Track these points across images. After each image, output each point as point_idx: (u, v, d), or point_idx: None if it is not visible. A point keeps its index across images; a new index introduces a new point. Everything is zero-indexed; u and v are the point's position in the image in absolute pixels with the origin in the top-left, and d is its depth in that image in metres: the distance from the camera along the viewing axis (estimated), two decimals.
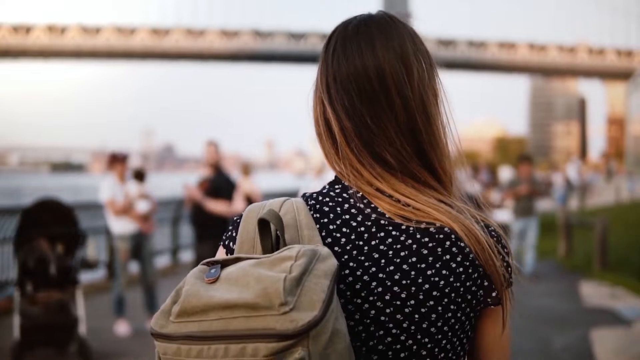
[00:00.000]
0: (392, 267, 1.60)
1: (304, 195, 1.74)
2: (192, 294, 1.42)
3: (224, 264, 1.49)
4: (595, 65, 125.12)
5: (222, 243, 1.74)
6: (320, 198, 1.71)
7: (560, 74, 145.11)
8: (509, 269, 1.69)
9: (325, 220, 1.65)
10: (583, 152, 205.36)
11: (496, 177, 28.36)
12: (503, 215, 23.15)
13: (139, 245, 10.63)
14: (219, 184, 10.44)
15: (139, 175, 11.01)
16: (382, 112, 1.67)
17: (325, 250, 1.50)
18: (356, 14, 1.80)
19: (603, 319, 11.12)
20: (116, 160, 10.61)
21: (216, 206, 10.23)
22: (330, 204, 1.68)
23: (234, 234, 1.70)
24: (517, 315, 10.49)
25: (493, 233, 1.70)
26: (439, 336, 1.61)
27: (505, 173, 29.98)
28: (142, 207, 10.59)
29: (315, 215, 1.66)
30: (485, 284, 1.65)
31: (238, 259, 1.49)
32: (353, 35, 1.73)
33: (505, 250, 1.70)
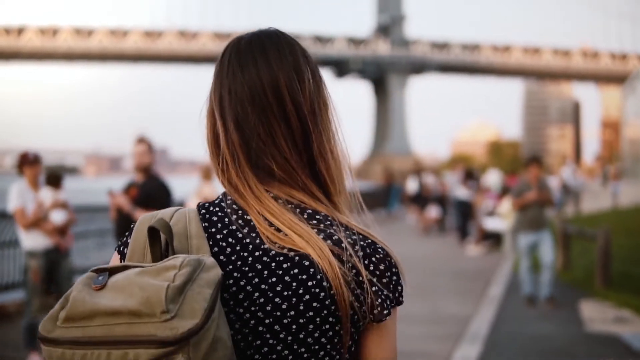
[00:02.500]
0: (274, 279, 1.64)
1: (199, 205, 1.78)
2: (78, 299, 1.46)
3: (112, 271, 1.53)
4: (590, 69, 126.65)
5: (116, 248, 1.77)
6: (211, 208, 1.75)
7: (555, 77, 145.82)
8: (383, 288, 1.69)
9: (214, 229, 1.70)
10: (577, 155, 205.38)
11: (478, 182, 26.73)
12: (495, 223, 21.83)
13: (54, 264, 8.84)
14: (151, 191, 8.60)
15: (54, 180, 9.10)
16: (274, 121, 1.72)
17: (210, 260, 1.56)
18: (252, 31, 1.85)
19: (609, 349, 9.60)
20: (26, 162, 8.78)
21: None
22: (220, 214, 1.73)
23: (128, 240, 1.72)
24: (509, 345, 8.79)
25: (367, 251, 1.70)
26: (316, 347, 1.64)
27: (493, 177, 28.44)
28: (57, 218, 8.80)
29: (204, 225, 1.71)
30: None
31: (126, 267, 1.54)
32: (247, 48, 1.78)
33: (381, 268, 1.70)
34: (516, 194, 13.13)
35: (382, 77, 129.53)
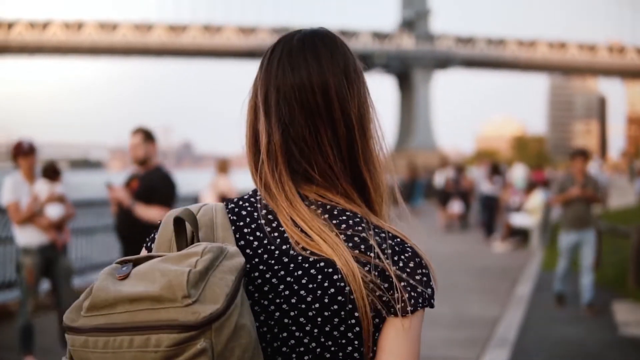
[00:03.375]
0: (300, 272, 1.65)
1: (227, 199, 1.80)
2: (101, 288, 1.47)
3: (136, 262, 1.54)
4: (616, 64, 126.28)
5: (144, 245, 1.78)
6: (240, 203, 1.78)
7: (580, 72, 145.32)
8: (415, 284, 1.67)
9: (241, 223, 1.72)
10: (603, 151, 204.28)
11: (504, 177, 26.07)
12: (522, 219, 21.19)
13: (50, 261, 8.25)
14: (152, 183, 7.87)
15: (51, 172, 8.46)
16: (321, 126, 1.72)
17: (233, 248, 1.57)
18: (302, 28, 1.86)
19: None
20: (20, 152, 8.16)
21: (148, 212, 7.66)
22: (249, 208, 1.75)
23: (155, 236, 1.74)
24: (539, 350, 8.10)
25: (395, 249, 1.70)
26: (343, 340, 1.64)
27: (518, 172, 27.74)
28: (53, 212, 8.21)
29: (232, 218, 1.73)
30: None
31: (150, 257, 1.55)
32: (299, 48, 1.77)
33: (411, 265, 1.69)
34: (559, 188, 12.10)
35: (406, 71, 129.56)
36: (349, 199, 1.75)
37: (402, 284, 1.65)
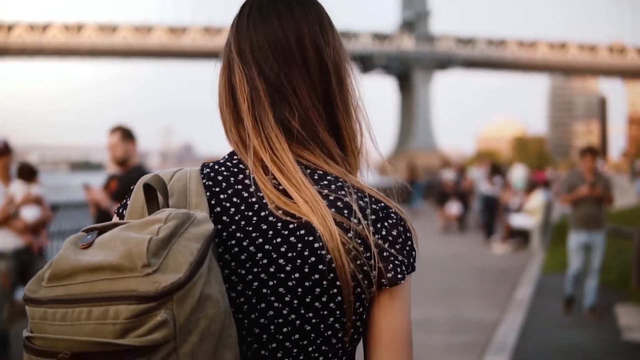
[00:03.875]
0: (279, 239, 1.60)
1: (203, 164, 1.73)
2: (62, 258, 1.42)
3: (102, 230, 1.49)
4: (616, 64, 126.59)
5: (116, 212, 1.73)
6: (216, 167, 1.70)
7: (581, 72, 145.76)
8: (397, 253, 1.63)
9: (217, 189, 1.66)
10: (604, 151, 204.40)
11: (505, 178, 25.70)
12: (522, 220, 20.83)
13: (26, 265, 7.88)
14: (130, 183, 7.41)
15: (27, 173, 8.08)
16: (295, 70, 1.69)
17: (201, 214, 1.51)
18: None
19: None
20: None
21: None
22: (225, 173, 1.68)
23: (127, 202, 1.68)
24: (540, 356, 7.70)
25: (379, 215, 1.65)
26: (324, 312, 1.59)
27: (518, 172, 27.37)
28: (29, 215, 7.86)
29: (207, 183, 1.66)
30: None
31: (116, 225, 1.49)
32: (270, 2, 1.75)
33: (394, 233, 1.65)
34: (567, 187, 11.47)
35: (407, 72, 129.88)
36: (328, 156, 1.69)
37: (385, 254, 1.60)
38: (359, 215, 1.60)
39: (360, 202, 1.63)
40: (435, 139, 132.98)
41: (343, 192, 1.63)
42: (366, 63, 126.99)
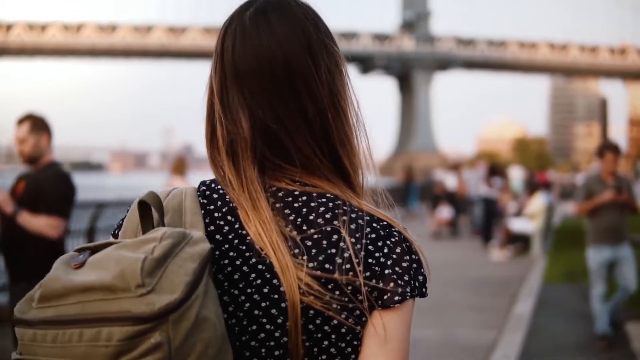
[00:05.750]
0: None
1: (201, 182, 1.68)
2: (52, 278, 1.38)
3: (95, 250, 1.44)
4: (617, 65, 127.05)
5: (112, 233, 1.67)
6: (212, 185, 1.66)
7: (582, 73, 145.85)
8: (402, 272, 1.55)
9: (212, 207, 1.61)
10: None
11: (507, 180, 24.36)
12: (522, 224, 19.54)
13: None
14: (40, 184, 6.07)
15: None
16: (287, 110, 1.58)
17: (198, 234, 1.46)
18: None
19: None
20: None
21: (31, 222, 5.91)
22: (221, 191, 1.63)
23: (122, 222, 1.63)
24: None
25: (380, 234, 1.57)
26: (318, 335, 1.52)
27: (516, 174, 26.07)
28: None
29: (202, 201, 1.62)
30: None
31: (109, 244, 1.44)
32: (253, 26, 1.62)
33: (397, 251, 1.56)
34: (585, 193, 9.37)
35: (407, 73, 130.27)
36: (330, 182, 1.61)
37: (387, 271, 1.52)
38: (349, 247, 1.51)
39: (359, 221, 1.55)
40: (435, 140, 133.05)
41: (335, 219, 1.54)
42: (366, 64, 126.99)
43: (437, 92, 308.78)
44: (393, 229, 1.59)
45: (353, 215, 1.55)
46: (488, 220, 21.48)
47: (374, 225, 1.56)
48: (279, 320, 1.50)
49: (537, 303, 11.99)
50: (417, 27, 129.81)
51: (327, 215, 1.56)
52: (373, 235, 1.54)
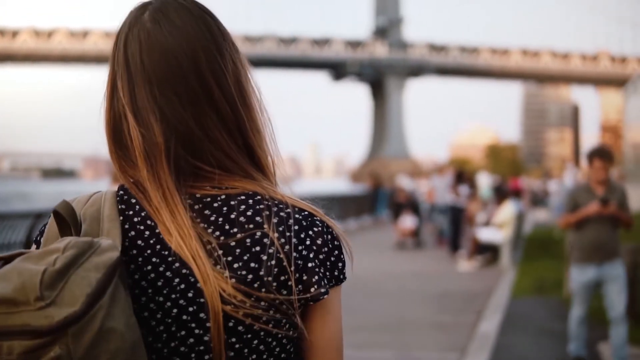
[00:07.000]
0: None
1: (120, 186, 1.64)
2: None
3: (8, 260, 1.40)
4: (589, 72, 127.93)
5: (34, 239, 1.63)
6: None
7: (554, 80, 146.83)
8: (320, 265, 1.55)
9: (131, 212, 1.57)
10: (577, 159, 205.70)
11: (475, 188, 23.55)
12: (491, 234, 18.73)
13: None
14: None
15: None
16: (202, 111, 1.57)
17: (106, 242, 1.43)
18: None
19: None
20: None
21: None
22: (140, 194, 1.59)
23: (44, 228, 1.58)
24: None
25: (302, 224, 1.57)
26: (249, 335, 1.51)
27: (483, 181, 25.35)
28: None
29: (121, 207, 1.58)
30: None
31: (21, 254, 1.40)
32: (155, 28, 1.58)
33: (318, 243, 1.56)
34: (571, 203, 8.26)
35: (379, 79, 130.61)
36: (248, 178, 1.59)
37: (310, 264, 1.52)
38: (276, 245, 1.50)
39: (282, 214, 1.54)
40: (408, 146, 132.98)
41: (258, 216, 1.53)
42: (339, 70, 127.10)
43: (409, 99, 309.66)
44: (315, 218, 1.58)
45: (275, 209, 1.54)
46: (455, 229, 20.73)
47: (297, 216, 1.55)
48: (208, 324, 1.47)
49: (505, 319, 11.13)
50: (389, 33, 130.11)
51: (249, 213, 1.53)
52: (296, 227, 1.53)
